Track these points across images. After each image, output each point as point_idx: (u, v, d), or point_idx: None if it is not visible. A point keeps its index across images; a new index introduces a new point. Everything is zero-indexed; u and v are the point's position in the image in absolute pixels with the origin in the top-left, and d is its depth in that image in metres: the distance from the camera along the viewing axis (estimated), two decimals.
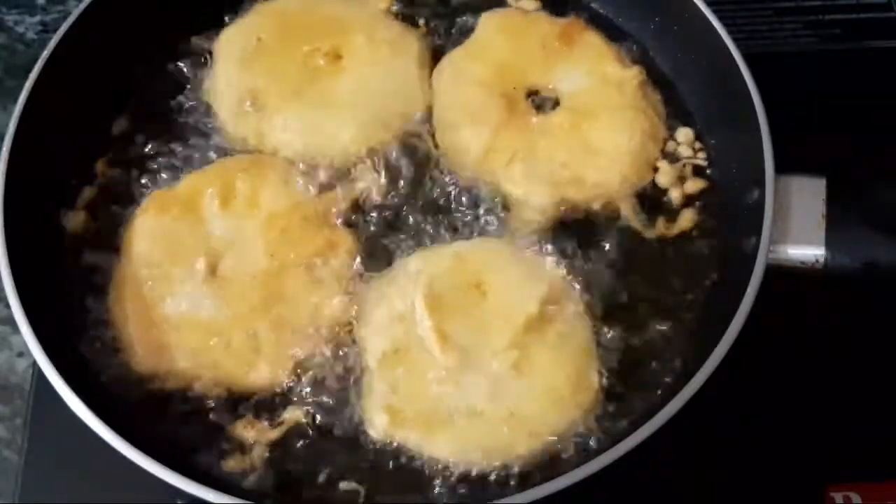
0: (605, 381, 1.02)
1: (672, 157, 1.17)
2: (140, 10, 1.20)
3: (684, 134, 1.19)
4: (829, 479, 1.08)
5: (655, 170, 1.15)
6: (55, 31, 1.14)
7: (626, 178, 1.13)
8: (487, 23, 1.23)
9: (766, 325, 0.97)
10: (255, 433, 1.00)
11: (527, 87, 1.19)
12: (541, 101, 1.19)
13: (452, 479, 0.97)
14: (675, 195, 1.14)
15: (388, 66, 1.19)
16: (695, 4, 1.17)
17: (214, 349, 1.02)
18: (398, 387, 1.00)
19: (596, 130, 1.15)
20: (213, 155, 1.16)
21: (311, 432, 1.00)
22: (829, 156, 1.15)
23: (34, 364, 1.15)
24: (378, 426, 0.99)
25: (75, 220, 1.12)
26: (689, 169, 1.16)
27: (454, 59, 1.21)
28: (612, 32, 1.25)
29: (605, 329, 1.05)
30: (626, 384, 1.03)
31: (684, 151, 1.17)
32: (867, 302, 1.15)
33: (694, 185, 1.15)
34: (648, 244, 1.11)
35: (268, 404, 1.02)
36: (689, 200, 1.14)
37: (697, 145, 1.18)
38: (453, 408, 0.98)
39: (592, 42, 1.21)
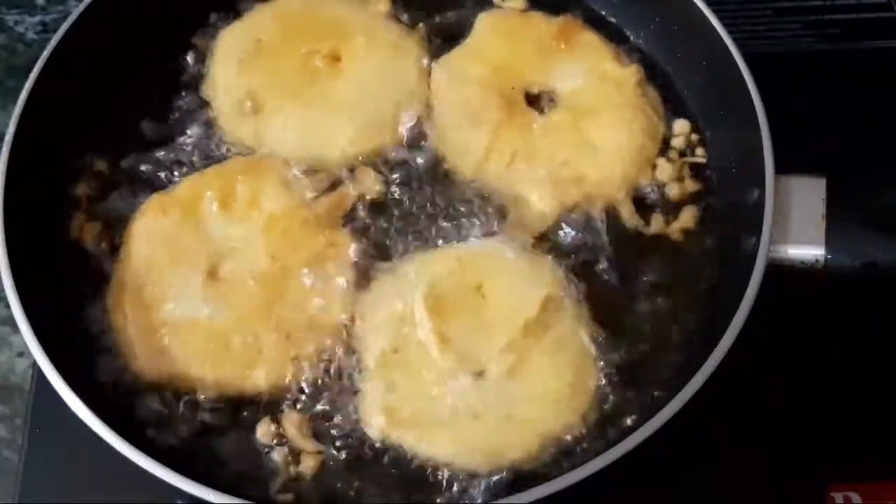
0: (603, 381, 1.02)
1: (672, 155, 1.17)
2: (140, 10, 1.20)
3: (681, 126, 1.19)
4: (829, 479, 1.08)
5: (655, 168, 1.16)
6: (55, 31, 1.14)
7: (627, 175, 1.13)
8: (484, 23, 1.23)
9: (766, 325, 0.97)
10: (257, 434, 1.00)
11: (525, 87, 1.19)
12: (540, 101, 1.19)
13: (449, 479, 0.97)
14: (675, 193, 1.14)
15: (388, 68, 1.19)
16: (695, 4, 1.17)
17: (215, 351, 1.02)
18: (396, 387, 1.00)
19: (595, 129, 1.15)
20: (211, 157, 1.16)
21: (311, 433, 1.00)
22: (829, 156, 1.15)
23: (34, 364, 1.14)
24: (375, 426, 0.99)
25: (75, 220, 1.12)
26: (688, 167, 1.16)
27: (452, 60, 1.21)
28: (612, 32, 1.25)
29: (604, 330, 1.05)
30: (625, 385, 1.02)
31: (683, 146, 1.17)
32: (867, 302, 1.15)
33: (694, 183, 1.15)
34: (648, 244, 1.11)
35: (268, 406, 1.02)
36: (689, 199, 1.14)
37: (696, 142, 1.18)
38: (451, 409, 0.98)
39: (590, 41, 1.21)
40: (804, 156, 1.05)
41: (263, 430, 1.00)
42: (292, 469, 0.98)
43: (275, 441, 1.00)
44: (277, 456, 0.99)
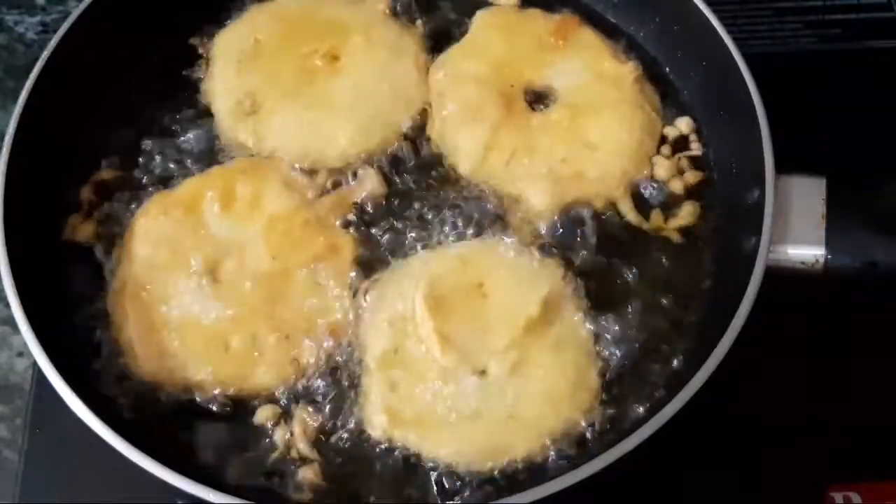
0: (604, 381, 1.02)
1: (670, 153, 1.17)
2: (139, 10, 1.20)
3: (684, 124, 1.19)
4: (829, 479, 1.09)
5: (654, 165, 1.15)
6: (55, 31, 1.14)
7: (626, 172, 1.13)
8: (482, 21, 1.23)
9: (766, 325, 0.97)
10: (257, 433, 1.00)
11: (524, 85, 1.19)
12: (538, 98, 1.19)
13: (452, 478, 0.97)
14: (674, 190, 1.14)
15: (386, 67, 1.19)
16: (695, 4, 1.17)
17: (215, 352, 1.02)
18: (398, 387, 1.00)
19: (594, 126, 1.15)
20: (212, 157, 1.16)
21: (311, 432, 1.00)
22: (829, 156, 1.15)
23: (34, 364, 1.15)
24: (377, 426, 0.99)
25: (75, 220, 1.12)
26: (687, 164, 1.16)
27: (451, 58, 1.21)
28: (612, 32, 1.25)
29: (605, 329, 1.05)
30: (625, 384, 1.03)
31: (682, 144, 1.17)
32: (867, 302, 1.15)
33: (693, 180, 1.15)
34: (649, 243, 1.11)
35: (268, 406, 1.02)
36: (688, 197, 1.14)
37: (696, 140, 1.18)
38: (452, 408, 0.98)
39: (588, 38, 1.21)
40: (804, 156, 1.05)
41: (263, 417, 1.00)
42: (296, 472, 0.98)
43: (275, 436, 1.00)
44: (278, 456, 0.99)
